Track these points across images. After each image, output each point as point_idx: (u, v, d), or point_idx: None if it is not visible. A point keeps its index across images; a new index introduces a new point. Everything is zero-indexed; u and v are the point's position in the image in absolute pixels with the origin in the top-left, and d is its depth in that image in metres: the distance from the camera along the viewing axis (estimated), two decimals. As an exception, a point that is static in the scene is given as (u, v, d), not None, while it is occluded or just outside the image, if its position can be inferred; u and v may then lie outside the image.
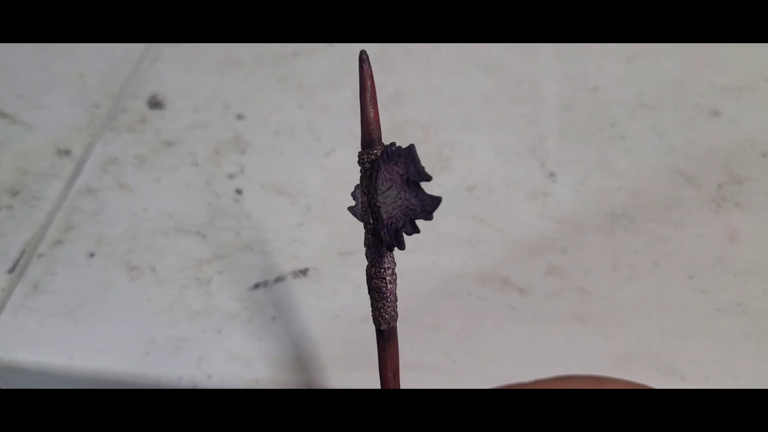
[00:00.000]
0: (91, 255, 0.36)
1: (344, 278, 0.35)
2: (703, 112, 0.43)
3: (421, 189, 0.18)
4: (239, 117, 0.43)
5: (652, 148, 0.41)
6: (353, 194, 0.22)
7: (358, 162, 0.20)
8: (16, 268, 0.35)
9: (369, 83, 0.19)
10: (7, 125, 0.42)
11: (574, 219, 0.37)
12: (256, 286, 0.35)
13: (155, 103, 0.43)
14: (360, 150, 0.20)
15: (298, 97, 0.44)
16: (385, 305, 0.21)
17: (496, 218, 0.37)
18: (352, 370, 0.32)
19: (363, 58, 0.19)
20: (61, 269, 0.35)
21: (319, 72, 0.45)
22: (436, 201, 0.18)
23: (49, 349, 0.32)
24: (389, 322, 0.21)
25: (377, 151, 0.20)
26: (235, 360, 0.32)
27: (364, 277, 0.35)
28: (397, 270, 0.21)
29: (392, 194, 0.19)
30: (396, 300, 0.21)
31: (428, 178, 0.18)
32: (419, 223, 0.18)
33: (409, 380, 0.25)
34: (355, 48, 0.46)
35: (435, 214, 0.32)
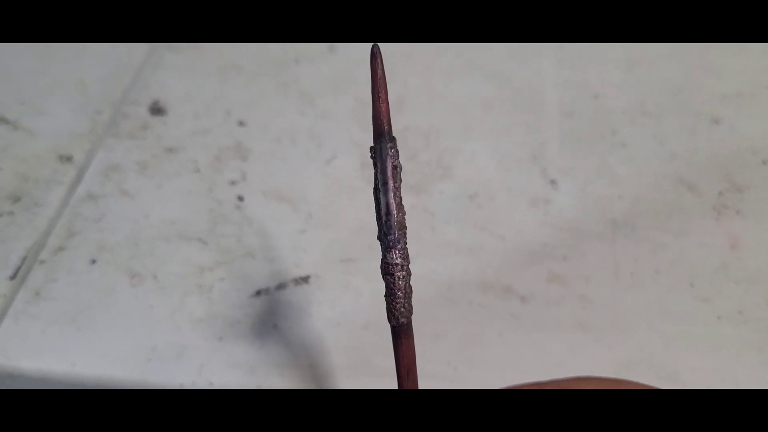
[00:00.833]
0: (93, 262, 0.36)
1: (346, 285, 0.35)
2: (703, 119, 0.43)
3: (384, 192, 0.19)
4: (241, 124, 0.43)
5: (653, 155, 0.41)
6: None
7: (370, 155, 0.20)
8: (17, 275, 0.35)
9: (380, 77, 0.20)
10: (8, 131, 0.42)
11: (576, 226, 0.37)
12: (258, 293, 0.35)
13: (157, 110, 0.43)
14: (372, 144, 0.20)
15: (300, 104, 0.44)
16: (393, 301, 0.21)
17: (497, 226, 0.38)
18: (355, 377, 0.32)
19: (374, 52, 0.20)
20: (62, 276, 0.35)
21: (320, 79, 0.46)
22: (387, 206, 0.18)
23: (50, 356, 0.32)
24: (398, 319, 0.21)
25: (384, 144, 0.20)
26: (236, 367, 0.32)
27: (366, 284, 0.35)
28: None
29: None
30: (407, 297, 0.21)
31: (385, 183, 0.19)
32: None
33: (411, 389, 0.25)
34: (356, 54, 0.46)
35: (436, 220, 0.33)
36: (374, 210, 0.21)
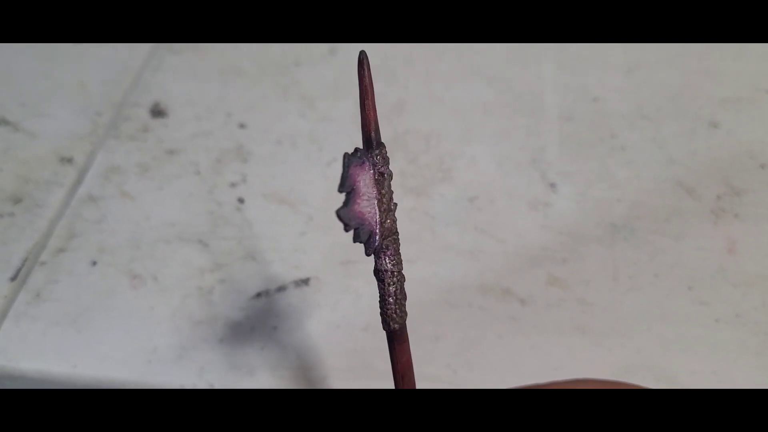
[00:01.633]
0: (94, 263, 0.36)
1: (346, 288, 0.35)
2: (702, 123, 0.43)
3: (346, 200, 0.19)
4: (241, 126, 0.43)
5: (652, 159, 0.41)
6: None
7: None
8: (18, 276, 0.35)
9: (367, 84, 0.20)
10: (9, 133, 0.42)
11: (575, 230, 0.38)
12: (258, 295, 0.35)
13: (158, 112, 0.43)
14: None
15: (300, 107, 0.44)
16: (384, 306, 0.21)
17: (497, 229, 0.38)
18: (354, 379, 0.32)
19: (361, 59, 0.20)
20: (63, 277, 0.35)
21: (321, 82, 0.46)
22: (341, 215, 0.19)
23: (51, 357, 0.32)
24: (389, 324, 0.21)
25: (371, 151, 0.20)
26: (236, 369, 0.32)
27: (366, 286, 0.35)
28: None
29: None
30: (398, 303, 0.21)
31: (340, 191, 0.19)
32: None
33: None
34: (357, 57, 0.46)
35: (436, 223, 0.33)
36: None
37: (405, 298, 0.21)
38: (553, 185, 0.40)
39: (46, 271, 0.35)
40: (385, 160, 0.20)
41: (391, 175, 0.20)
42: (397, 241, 0.21)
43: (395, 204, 0.21)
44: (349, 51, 0.48)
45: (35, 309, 0.34)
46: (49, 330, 0.33)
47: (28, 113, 0.43)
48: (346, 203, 0.19)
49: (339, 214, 0.19)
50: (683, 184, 0.40)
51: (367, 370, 0.32)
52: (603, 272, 0.36)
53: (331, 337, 0.33)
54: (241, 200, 0.39)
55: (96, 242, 0.37)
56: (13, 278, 0.35)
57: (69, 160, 0.41)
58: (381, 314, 0.21)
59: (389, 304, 0.21)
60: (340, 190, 0.19)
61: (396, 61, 0.47)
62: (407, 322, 0.22)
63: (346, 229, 0.19)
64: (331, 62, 0.47)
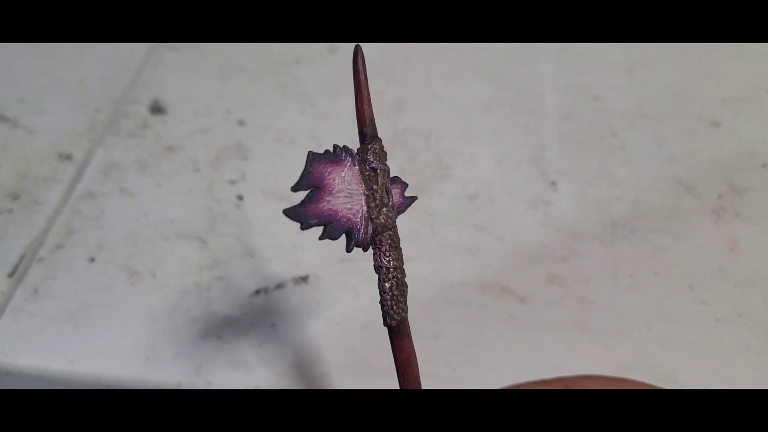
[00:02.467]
0: (92, 260, 0.36)
1: (345, 285, 0.35)
2: (703, 122, 0.43)
3: (306, 198, 0.19)
4: (241, 123, 0.43)
5: (653, 158, 0.41)
6: None
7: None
8: (16, 273, 0.35)
9: (361, 78, 0.20)
10: (8, 129, 0.42)
11: (575, 228, 0.37)
12: (257, 292, 0.35)
13: (157, 109, 0.43)
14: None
15: (300, 104, 0.44)
16: (382, 302, 0.21)
17: (496, 227, 0.38)
18: (353, 377, 0.32)
19: (356, 53, 0.20)
20: (61, 274, 0.35)
21: (320, 79, 0.46)
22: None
23: (48, 354, 0.32)
24: (386, 320, 0.21)
25: (363, 146, 0.20)
26: (235, 366, 0.32)
27: (365, 284, 0.35)
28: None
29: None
30: (394, 300, 0.21)
31: (293, 189, 0.19)
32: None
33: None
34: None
35: (435, 221, 0.33)
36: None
37: (403, 295, 0.21)
38: (553, 183, 0.40)
39: (44, 267, 0.35)
40: (378, 156, 0.20)
41: (385, 171, 0.20)
42: (392, 238, 0.21)
43: (390, 199, 0.20)
44: (349, 49, 0.47)
45: (33, 305, 0.34)
46: (47, 326, 0.33)
47: (27, 109, 0.43)
48: (306, 201, 0.19)
49: (286, 213, 0.19)
50: (684, 183, 0.39)
51: (366, 367, 0.32)
52: (603, 271, 0.36)
53: (329, 335, 0.33)
54: (240, 197, 0.39)
55: (94, 239, 0.37)
56: (11, 274, 0.35)
57: (68, 157, 0.40)
58: (381, 310, 0.21)
59: (385, 300, 0.21)
60: (294, 189, 0.19)
61: (395, 59, 0.47)
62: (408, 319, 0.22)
63: (303, 228, 0.19)
64: (330, 59, 0.47)
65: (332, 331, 0.33)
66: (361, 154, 0.20)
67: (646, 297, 0.35)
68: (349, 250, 0.20)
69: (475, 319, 0.34)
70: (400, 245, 0.21)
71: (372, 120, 0.20)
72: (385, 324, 0.21)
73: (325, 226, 0.19)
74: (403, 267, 0.21)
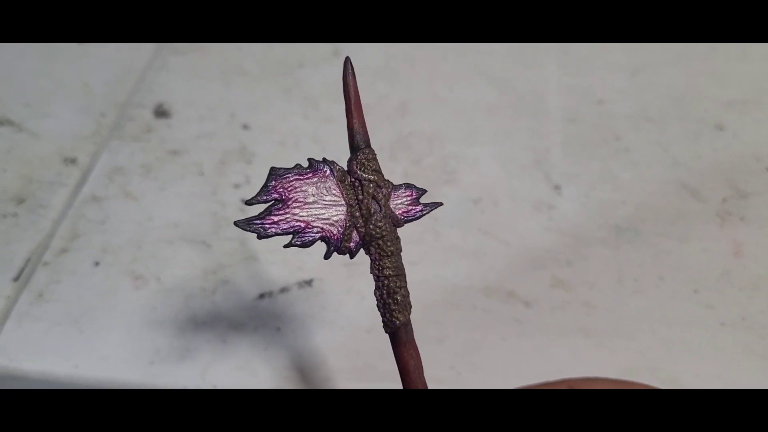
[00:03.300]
0: (96, 264, 0.36)
1: (349, 289, 0.35)
2: (707, 125, 0.43)
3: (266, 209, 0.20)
4: (245, 127, 0.43)
5: (657, 161, 0.41)
6: None
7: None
8: (21, 276, 0.35)
9: (351, 91, 0.21)
10: (13, 133, 0.42)
11: (579, 232, 0.37)
12: (261, 296, 0.35)
13: (161, 113, 0.43)
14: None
15: (304, 108, 0.44)
16: (380, 308, 0.21)
17: (500, 230, 0.38)
18: (358, 381, 0.32)
19: (345, 64, 0.21)
20: (66, 278, 0.35)
21: (324, 82, 0.46)
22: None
23: (53, 357, 0.32)
24: (383, 325, 0.21)
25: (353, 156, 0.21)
26: (239, 370, 0.32)
27: (370, 288, 0.35)
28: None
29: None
30: (386, 308, 0.21)
31: (248, 203, 0.20)
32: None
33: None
34: (360, 58, 0.46)
35: (440, 224, 0.33)
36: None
37: (397, 303, 0.21)
38: (557, 187, 0.40)
39: (49, 271, 0.35)
40: (363, 166, 0.20)
41: (371, 181, 0.20)
42: (381, 247, 0.21)
43: (380, 209, 0.21)
44: (353, 52, 0.47)
45: (38, 309, 0.34)
46: (52, 330, 0.33)
47: (32, 113, 0.43)
48: (264, 213, 0.20)
49: (237, 224, 0.20)
50: (688, 187, 0.39)
51: (370, 371, 0.32)
52: (607, 274, 0.36)
53: (334, 339, 0.33)
54: (244, 201, 0.39)
55: (99, 243, 0.37)
56: (16, 278, 0.35)
57: (72, 161, 0.41)
58: None
59: (379, 308, 0.21)
60: (248, 203, 0.20)
61: (399, 62, 0.47)
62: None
63: (259, 237, 0.20)
64: (334, 63, 0.47)
65: (337, 335, 0.33)
66: (348, 166, 0.21)
67: (651, 301, 0.35)
68: (326, 257, 0.21)
69: (479, 323, 0.34)
70: (398, 253, 0.21)
71: (360, 131, 0.21)
72: (384, 331, 0.21)
73: (294, 234, 0.20)
74: (400, 275, 0.21)
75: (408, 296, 0.21)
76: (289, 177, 0.20)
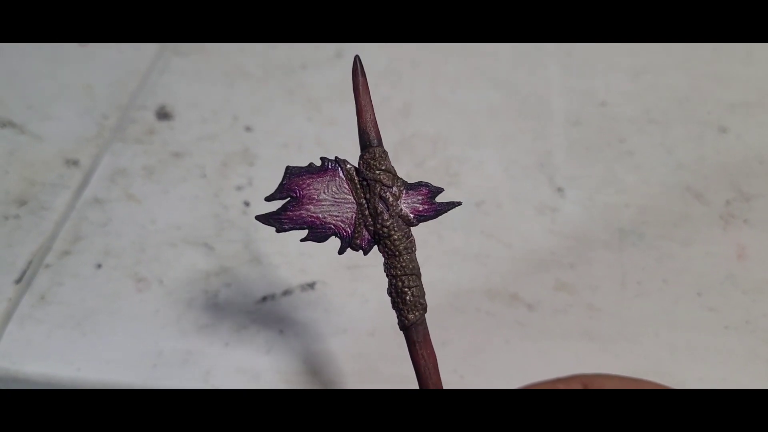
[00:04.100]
0: (99, 266, 0.36)
1: (352, 292, 0.35)
2: (711, 128, 0.43)
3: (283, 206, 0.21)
4: (247, 129, 0.43)
5: (660, 164, 0.41)
6: None
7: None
8: (23, 279, 0.35)
9: (362, 90, 0.21)
10: (15, 135, 0.42)
11: (583, 235, 0.37)
12: (264, 299, 0.35)
13: (164, 115, 0.43)
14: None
15: (307, 110, 0.44)
16: (392, 306, 0.22)
17: (504, 233, 0.37)
18: (360, 383, 0.32)
19: (355, 65, 0.21)
20: (68, 280, 0.35)
21: (327, 85, 0.46)
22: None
23: (55, 360, 0.32)
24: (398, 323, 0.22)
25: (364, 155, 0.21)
26: (242, 373, 0.32)
27: (372, 291, 0.35)
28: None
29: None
30: (395, 306, 0.22)
31: (267, 199, 0.21)
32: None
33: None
34: (363, 60, 0.46)
35: (443, 227, 0.33)
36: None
37: (405, 303, 0.21)
38: (560, 190, 0.39)
39: (51, 273, 0.35)
40: (370, 166, 0.20)
41: (378, 181, 0.21)
42: (389, 246, 0.21)
43: (389, 208, 0.21)
44: (356, 54, 0.47)
45: (40, 312, 0.34)
46: (54, 333, 0.33)
47: (34, 115, 0.43)
48: (282, 209, 0.21)
49: (258, 218, 0.21)
50: (692, 189, 0.39)
51: (373, 374, 0.32)
52: (611, 277, 0.36)
53: (337, 342, 0.33)
54: (247, 203, 0.39)
55: (101, 245, 0.37)
56: (18, 281, 0.35)
57: (75, 163, 0.40)
58: None
59: (392, 305, 0.22)
60: (267, 199, 0.21)
61: (402, 64, 0.47)
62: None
63: (277, 231, 0.21)
64: (337, 65, 0.47)
65: (340, 337, 0.33)
66: (357, 165, 0.21)
67: (655, 304, 0.34)
68: (340, 252, 0.22)
69: (482, 326, 0.34)
70: (409, 252, 0.21)
71: (369, 130, 0.21)
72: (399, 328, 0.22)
73: (309, 230, 0.21)
74: (411, 275, 0.21)
75: (421, 296, 0.22)
76: (303, 175, 0.21)
